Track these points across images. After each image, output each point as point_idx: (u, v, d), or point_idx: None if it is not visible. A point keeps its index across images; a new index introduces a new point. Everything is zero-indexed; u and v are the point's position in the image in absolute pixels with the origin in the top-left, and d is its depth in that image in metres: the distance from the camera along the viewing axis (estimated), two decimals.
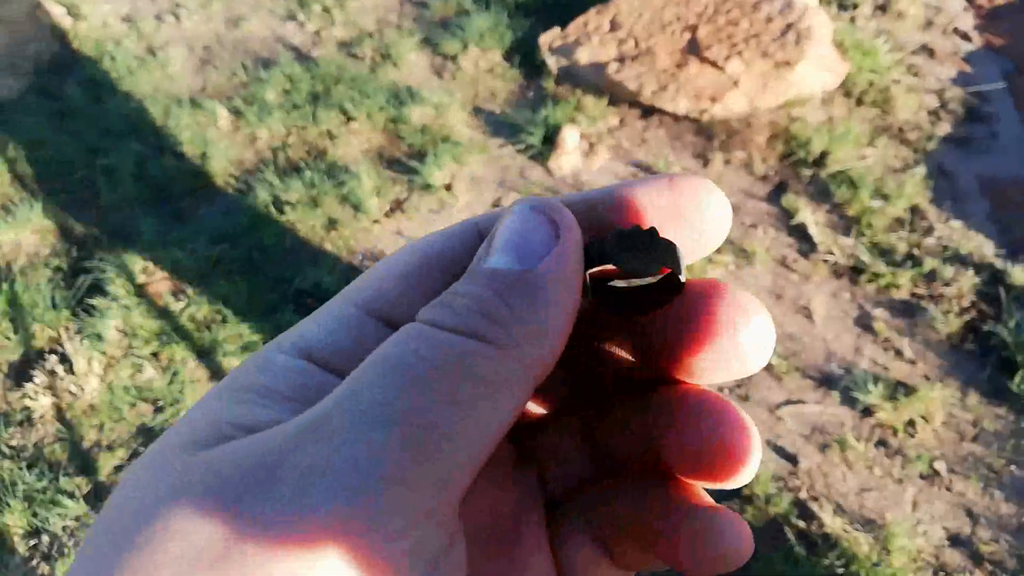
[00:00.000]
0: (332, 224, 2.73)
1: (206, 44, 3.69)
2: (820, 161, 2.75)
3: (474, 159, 2.93)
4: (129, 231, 2.78)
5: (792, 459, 1.98)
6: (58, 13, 3.78)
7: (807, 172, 2.73)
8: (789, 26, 2.96)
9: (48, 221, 2.84)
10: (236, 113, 3.24)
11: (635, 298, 0.27)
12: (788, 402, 2.11)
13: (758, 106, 2.89)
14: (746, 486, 1.90)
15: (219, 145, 3.08)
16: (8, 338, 2.49)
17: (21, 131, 3.24)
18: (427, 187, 2.83)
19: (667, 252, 0.25)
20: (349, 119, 3.14)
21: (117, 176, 3.01)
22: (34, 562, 1.98)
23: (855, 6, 3.43)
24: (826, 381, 2.14)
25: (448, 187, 2.84)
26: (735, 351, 0.25)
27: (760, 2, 3.05)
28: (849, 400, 2.09)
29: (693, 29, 3.06)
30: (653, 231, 0.25)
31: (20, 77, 3.52)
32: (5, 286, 2.57)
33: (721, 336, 0.25)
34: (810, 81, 2.92)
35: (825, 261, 2.45)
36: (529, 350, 0.23)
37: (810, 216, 2.56)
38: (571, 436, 0.30)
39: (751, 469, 0.26)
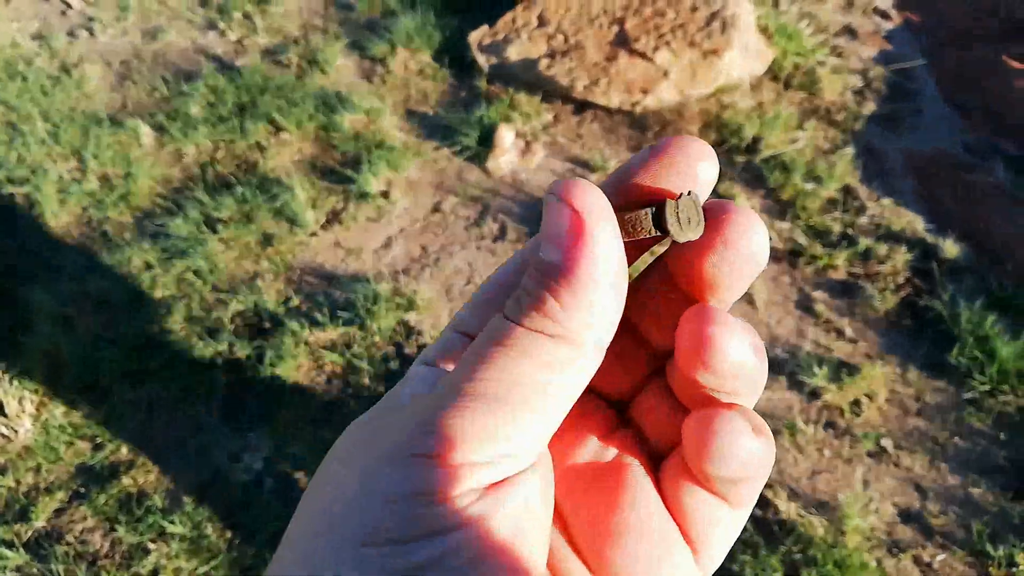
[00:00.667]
0: (268, 240, 2.66)
1: (123, 59, 3.55)
2: (753, 147, 2.78)
3: (410, 164, 2.89)
4: (54, 260, 2.66)
5: None
6: None
7: (741, 159, 2.76)
8: (714, 14, 2.99)
9: None
10: (160, 130, 3.14)
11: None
12: None
13: (689, 95, 2.91)
14: None
15: (144, 164, 2.97)
16: None
17: None
18: (364, 195, 2.77)
19: (695, 208, 0.28)
20: (278, 130, 3.06)
21: (39, 205, 2.88)
22: None
23: None
24: (772, 366, 2.17)
25: (385, 194, 2.80)
26: (750, 255, 0.29)
27: None
28: (795, 384, 2.12)
29: (621, 21, 3.06)
30: (682, 195, 0.28)
31: None
32: None
33: (737, 245, 0.28)
34: (738, 68, 2.95)
35: None
36: (579, 333, 0.27)
37: (746, 202, 2.59)
38: (659, 396, 0.33)
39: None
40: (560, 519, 0.32)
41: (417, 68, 3.32)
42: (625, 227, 0.28)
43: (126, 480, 2.08)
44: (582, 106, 3.02)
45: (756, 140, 2.78)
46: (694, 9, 3.02)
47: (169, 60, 3.52)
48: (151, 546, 1.94)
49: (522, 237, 2.60)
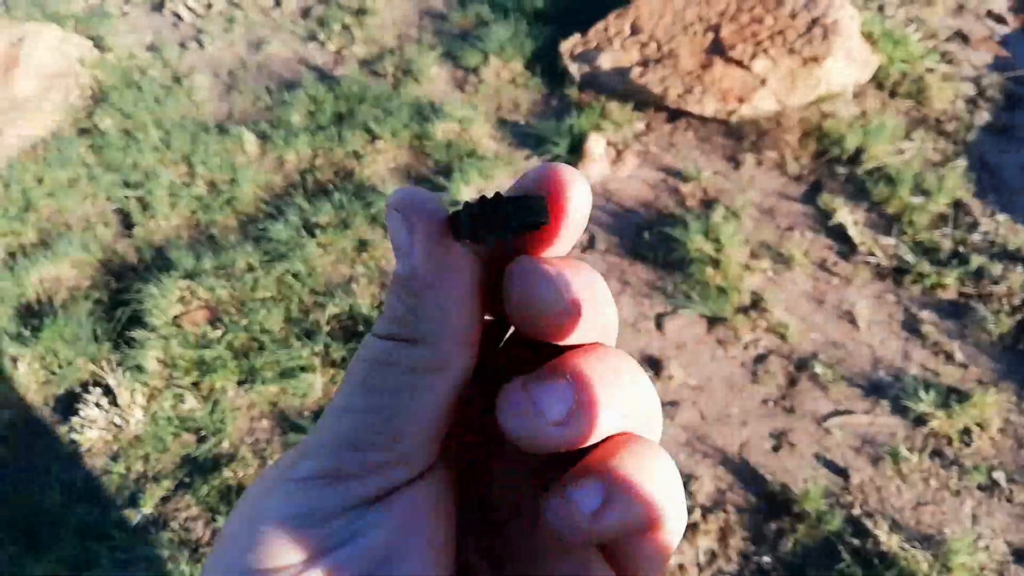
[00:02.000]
0: (363, 245, 2.73)
1: (230, 69, 3.71)
2: (855, 158, 2.68)
3: (500, 172, 2.91)
4: (165, 261, 2.80)
5: (843, 473, 1.93)
6: (86, 46, 3.84)
7: (842, 170, 2.66)
8: (815, 21, 2.90)
9: (86, 254, 2.88)
10: (263, 137, 3.26)
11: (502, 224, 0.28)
12: (836, 413, 2.06)
13: (787, 104, 2.84)
14: (797, 503, 1.86)
15: (248, 171, 3.10)
16: (53, 373, 2.52)
17: (57, 166, 3.29)
18: (454, 204, 2.81)
19: (509, 209, 0.27)
20: (374, 138, 3.14)
21: (151, 207, 3.04)
22: None
23: None
24: (874, 389, 2.09)
25: None
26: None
27: None
28: (900, 409, 2.03)
29: (716, 28, 3.01)
30: (498, 195, 0.27)
31: (54, 112, 3.58)
32: (48, 320, 2.61)
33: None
34: (840, 76, 2.86)
35: (867, 263, 2.39)
36: (431, 332, 0.27)
37: (848, 216, 2.50)
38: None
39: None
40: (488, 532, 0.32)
41: (509, 77, 3.34)
42: (461, 230, 0.28)
43: (227, 472, 2.17)
44: (675, 115, 2.98)
45: (859, 151, 2.68)
46: (793, 15, 2.95)
47: (272, 70, 3.66)
48: None
49: (611, 247, 2.59)
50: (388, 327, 0.28)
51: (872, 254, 2.40)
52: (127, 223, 3.04)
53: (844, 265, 2.40)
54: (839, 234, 2.49)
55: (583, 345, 0.28)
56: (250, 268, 2.70)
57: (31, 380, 2.52)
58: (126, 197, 3.11)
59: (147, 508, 2.14)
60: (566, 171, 0.28)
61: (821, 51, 2.82)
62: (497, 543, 0.32)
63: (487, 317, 0.32)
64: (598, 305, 0.28)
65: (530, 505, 0.31)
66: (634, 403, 0.28)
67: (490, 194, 0.29)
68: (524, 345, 0.32)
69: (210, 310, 2.60)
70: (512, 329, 0.34)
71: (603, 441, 0.27)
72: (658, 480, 0.27)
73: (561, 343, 0.28)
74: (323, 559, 0.26)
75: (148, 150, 3.29)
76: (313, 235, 2.78)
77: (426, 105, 3.24)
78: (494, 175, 2.89)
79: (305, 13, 3.96)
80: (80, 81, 3.70)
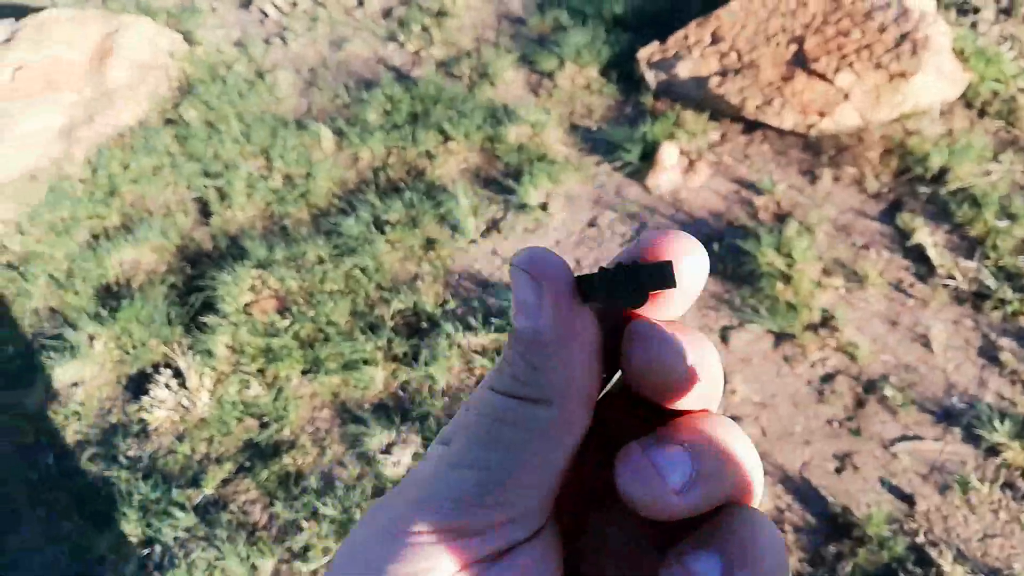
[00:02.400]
0: (430, 244, 2.76)
1: (312, 66, 3.81)
2: (939, 178, 2.59)
3: (570, 177, 2.91)
4: (239, 250, 2.89)
5: (909, 500, 1.86)
6: (176, 40, 3.99)
7: (925, 190, 2.57)
8: (904, 35, 2.81)
9: (165, 240, 2.99)
10: (339, 134, 3.34)
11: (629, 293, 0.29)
12: (904, 438, 1.98)
13: (870, 120, 2.76)
14: (859, 527, 1.80)
15: (323, 166, 3.18)
16: (128, 352, 2.63)
17: (143, 154, 3.43)
18: (523, 207, 2.82)
19: (642, 274, 0.28)
20: (447, 139, 3.18)
21: (229, 197, 3.14)
22: (147, 571, 2.07)
23: (976, 10, 3.23)
24: (946, 416, 2.01)
25: (544, 206, 2.83)
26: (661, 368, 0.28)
27: (873, 11, 2.91)
28: (972, 437, 1.95)
29: (800, 40, 2.94)
30: (632, 264, 0.28)
31: (142, 102, 3.73)
32: (125, 302, 2.72)
33: (648, 364, 0.28)
34: (928, 92, 2.76)
35: (945, 286, 2.30)
36: (554, 391, 0.27)
37: (928, 237, 2.41)
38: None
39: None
40: None
41: (584, 83, 3.34)
42: (585, 292, 0.28)
43: (287, 459, 2.22)
44: (752, 126, 2.93)
45: (944, 171, 2.59)
46: (883, 29, 2.86)
47: (352, 69, 3.74)
48: (304, 524, 2.06)
49: None
50: (511, 385, 0.28)
51: (951, 277, 2.31)
52: (205, 212, 3.15)
53: (921, 287, 2.32)
54: (917, 255, 2.40)
55: (694, 412, 0.29)
56: (320, 261, 2.77)
57: (106, 359, 2.63)
58: (206, 187, 3.22)
59: (208, 489, 2.21)
60: (687, 239, 0.29)
61: (910, 67, 2.73)
62: None
63: None
64: (711, 372, 0.29)
65: (630, 562, 0.31)
66: (745, 474, 0.28)
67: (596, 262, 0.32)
68: (628, 403, 0.32)
69: (279, 300, 2.67)
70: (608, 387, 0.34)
71: (717, 510, 0.28)
72: (771, 553, 0.27)
73: (671, 407, 0.29)
74: None
75: (229, 142, 3.40)
76: (383, 232, 2.83)
77: (500, 108, 3.27)
78: (564, 180, 2.89)
79: (387, 14, 4.04)
80: (169, 73, 3.85)
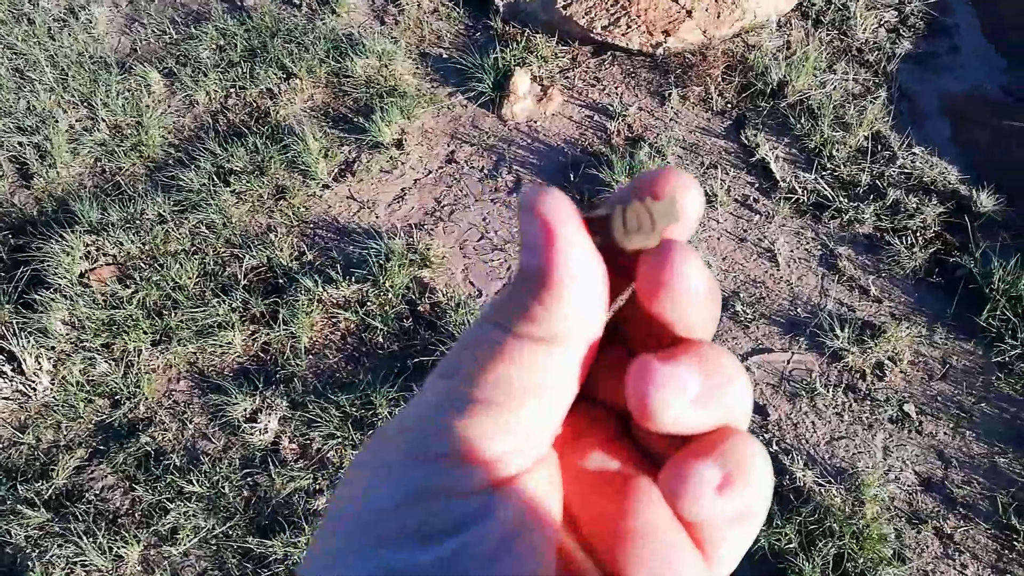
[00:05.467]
0: (281, 192, 2.62)
1: (128, 1, 3.46)
2: (779, 92, 2.66)
3: (424, 112, 2.81)
4: (68, 214, 2.65)
5: (762, 411, 1.98)
6: None
7: (765, 104, 2.64)
8: None
9: None
10: (170, 76, 3.07)
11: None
12: (755, 351, 2.09)
13: (713, 36, 2.78)
14: None
15: (155, 112, 2.92)
16: None
17: None
18: (376, 145, 2.71)
19: (649, 216, 0.29)
20: (289, 76, 2.98)
21: (50, 155, 2.85)
22: None
23: None
24: (793, 327, 2.12)
25: (399, 144, 2.73)
26: (688, 292, 0.29)
27: None
28: (817, 345, 2.08)
29: None
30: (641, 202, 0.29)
31: None
32: None
33: (674, 287, 0.29)
34: (765, 5, 2.80)
35: (788, 198, 2.40)
36: (564, 332, 0.28)
37: (771, 151, 2.49)
38: None
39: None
40: (572, 521, 0.33)
41: (431, 7, 3.19)
42: (590, 231, 0.29)
43: (145, 438, 2.11)
44: (601, 48, 2.90)
45: (783, 84, 2.66)
46: None
47: (178, 1, 3.42)
48: (170, 505, 1.97)
49: None
50: (519, 324, 0.28)
51: (792, 190, 2.41)
52: (25, 174, 2.85)
53: (766, 202, 2.41)
54: (762, 170, 2.48)
55: (695, 339, 0.30)
56: (161, 219, 2.57)
57: None
58: (21, 144, 2.91)
59: (60, 480, 2.07)
60: (684, 175, 0.30)
61: None
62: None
63: None
64: (718, 298, 0.30)
65: (624, 487, 0.32)
66: (744, 400, 0.29)
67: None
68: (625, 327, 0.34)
69: (119, 266, 2.48)
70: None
71: (714, 431, 0.29)
72: (763, 473, 0.28)
73: (681, 328, 0.30)
74: (456, 535, 0.27)
75: (43, 91, 3.06)
76: (227, 182, 2.65)
77: (343, 38, 3.08)
78: (417, 114, 2.79)
79: None
80: None
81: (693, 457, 0.29)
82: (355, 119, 2.81)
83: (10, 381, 2.21)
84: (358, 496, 0.29)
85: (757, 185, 2.45)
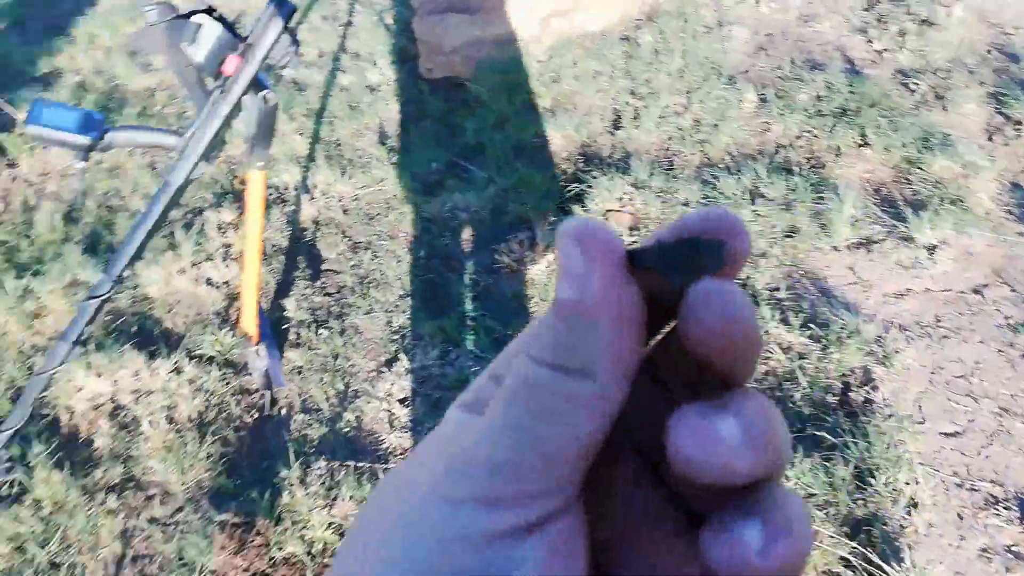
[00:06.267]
0: (792, 231, 2.69)
1: (770, 31, 3.80)
2: None
3: (980, 235, 2.59)
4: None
5: None
6: None
7: None
8: None
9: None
10: (763, 100, 3.32)
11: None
12: None
13: None
14: None
15: (733, 122, 3.21)
16: None
17: (591, 59, 3.76)
18: (907, 239, 2.59)
19: (699, 250, 0.27)
20: (865, 143, 3.00)
21: (640, 118, 3.33)
22: None
23: None
24: None
25: (932, 249, 2.57)
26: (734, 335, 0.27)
27: None
28: None
29: None
30: (690, 239, 0.28)
31: (612, 16, 4.06)
32: None
33: (719, 331, 0.27)
34: None
35: None
36: (596, 366, 0.26)
37: None
38: None
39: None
40: (596, 565, 0.31)
41: None
42: (634, 266, 0.28)
43: None
44: None
45: None
46: None
47: (807, 46, 3.65)
48: None
49: None
50: (552, 355, 0.27)
51: None
52: (616, 124, 3.38)
53: None
54: None
55: (734, 385, 0.29)
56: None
57: None
58: (627, 103, 3.45)
59: None
60: (735, 218, 0.29)
61: None
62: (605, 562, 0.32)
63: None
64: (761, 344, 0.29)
65: (653, 537, 0.31)
66: (785, 452, 0.28)
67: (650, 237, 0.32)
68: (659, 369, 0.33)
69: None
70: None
71: (752, 485, 0.27)
72: (805, 525, 0.27)
73: (726, 372, 0.28)
74: None
75: (664, 74, 3.57)
76: (753, 200, 2.81)
77: (938, 135, 2.98)
78: (971, 234, 2.58)
79: (870, 6, 3.84)
80: None
81: (735, 516, 0.26)
82: (902, 208, 2.71)
83: None
84: (370, 541, 0.28)
85: None
